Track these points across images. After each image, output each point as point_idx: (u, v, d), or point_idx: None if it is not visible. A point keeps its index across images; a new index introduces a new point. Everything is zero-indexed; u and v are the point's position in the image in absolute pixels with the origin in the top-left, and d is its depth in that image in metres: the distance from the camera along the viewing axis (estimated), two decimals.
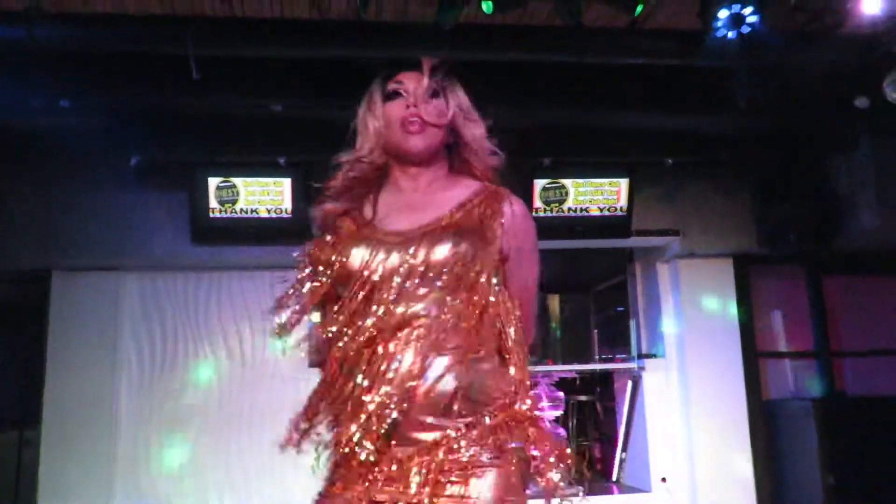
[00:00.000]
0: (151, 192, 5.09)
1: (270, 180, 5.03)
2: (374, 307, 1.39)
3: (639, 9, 3.67)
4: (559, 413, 5.90)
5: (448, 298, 1.38)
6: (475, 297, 1.41)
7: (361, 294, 1.42)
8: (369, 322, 1.39)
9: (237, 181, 5.00)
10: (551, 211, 5.41)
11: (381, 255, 1.42)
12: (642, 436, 5.96)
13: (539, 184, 5.38)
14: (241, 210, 5.02)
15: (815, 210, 5.26)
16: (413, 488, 1.30)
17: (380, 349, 1.37)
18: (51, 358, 5.10)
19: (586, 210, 5.46)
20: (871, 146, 5.19)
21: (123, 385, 5.20)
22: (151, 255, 5.17)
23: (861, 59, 3.95)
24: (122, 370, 5.22)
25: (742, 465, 5.56)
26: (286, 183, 5.02)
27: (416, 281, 1.39)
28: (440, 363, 1.35)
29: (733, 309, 5.79)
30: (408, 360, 1.35)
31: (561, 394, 5.90)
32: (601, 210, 5.48)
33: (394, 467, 1.33)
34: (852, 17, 3.43)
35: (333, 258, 1.47)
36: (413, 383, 1.33)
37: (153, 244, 5.15)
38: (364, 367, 1.37)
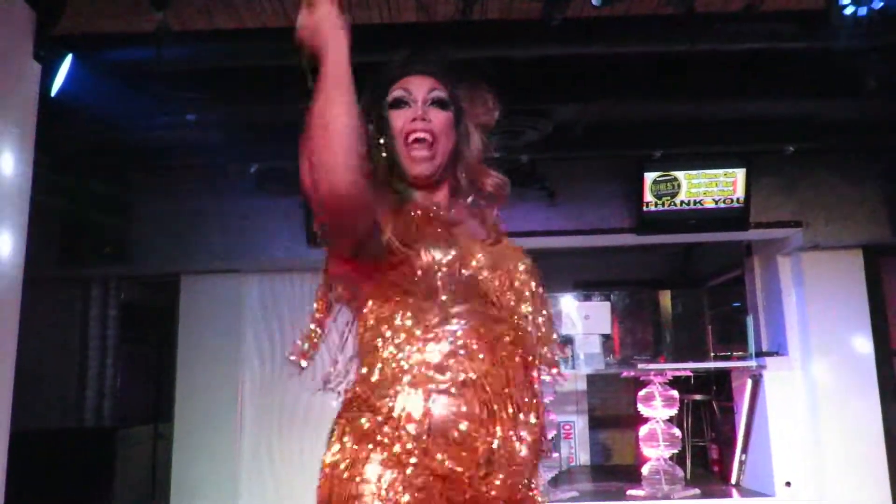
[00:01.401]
0: (270, 199, 5.33)
1: None
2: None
3: None
4: (673, 412, 5.73)
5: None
6: None
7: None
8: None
9: None
10: (663, 205, 5.26)
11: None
12: (764, 437, 5.70)
13: (650, 177, 5.25)
14: None
15: None
16: None
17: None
18: (181, 356, 5.44)
19: (700, 203, 5.28)
20: None
21: (247, 382, 5.47)
22: (270, 258, 5.41)
23: None
24: (246, 367, 5.49)
25: (876, 470, 5.23)
26: None
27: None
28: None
29: (863, 303, 5.44)
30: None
31: (675, 393, 5.73)
32: (716, 202, 5.28)
33: None
34: None
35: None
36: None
37: (272, 247, 5.39)
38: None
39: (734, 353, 6.29)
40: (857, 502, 5.19)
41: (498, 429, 1.17)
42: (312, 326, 1.36)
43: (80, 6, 3.51)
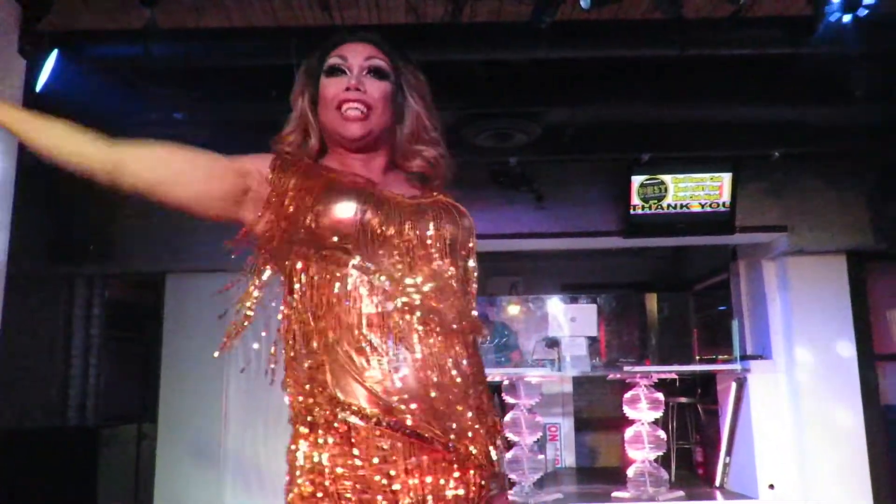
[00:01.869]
0: None
1: None
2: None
3: None
4: (658, 415, 5.75)
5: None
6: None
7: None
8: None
9: None
10: (650, 208, 5.29)
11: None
12: (748, 440, 5.73)
13: (637, 180, 5.27)
14: None
15: None
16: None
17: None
18: (165, 356, 5.40)
19: (687, 206, 5.31)
20: None
21: (233, 382, 5.43)
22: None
23: None
24: (231, 368, 5.45)
25: (858, 473, 5.27)
26: None
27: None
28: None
29: (847, 308, 5.49)
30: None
31: (660, 395, 5.75)
32: (702, 206, 5.32)
33: None
34: None
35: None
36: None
37: None
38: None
39: (719, 357, 6.33)
40: None
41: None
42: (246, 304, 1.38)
43: (66, 1, 3.49)
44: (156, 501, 5.24)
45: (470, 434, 1.19)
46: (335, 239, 1.22)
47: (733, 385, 5.97)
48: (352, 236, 1.21)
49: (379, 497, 1.15)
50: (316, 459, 1.19)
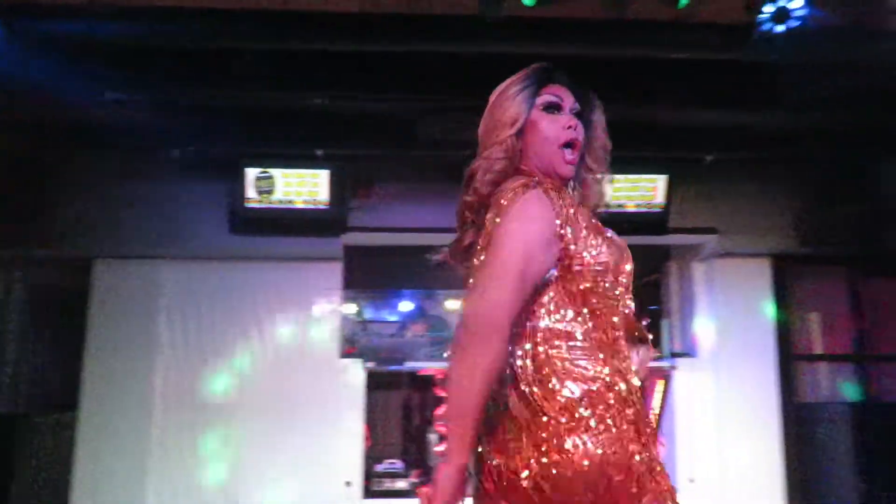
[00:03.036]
0: (193, 184, 5.18)
1: (307, 172, 5.07)
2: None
3: (682, 1, 3.63)
4: None
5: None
6: None
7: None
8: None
9: (275, 172, 5.05)
10: None
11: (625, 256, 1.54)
12: (671, 436, 5.90)
13: None
14: (278, 201, 5.07)
15: (862, 212, 5.17)
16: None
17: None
18: (90, 343, 5.19)
19: (622, 206, 5.41)
20: None
21: (159, 371, 5.26)
22: (191, 245, 5.25)
23: None
24: (159, 357, 5.29)
25: (773, 468, 5.48)
26: (323, 175, 5.06)
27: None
28: None
29: (770, 310, 5.71)
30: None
31: None
32: (637, 206, 5.43)
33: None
34: None
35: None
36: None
37: (193, 234, 5.23)
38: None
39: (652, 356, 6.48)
40: (754, 500, 5.43)
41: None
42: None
43: None
44: (73, 496, 5.03)
45: None
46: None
47: (659, 382, 6.13)
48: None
49: None
50: None
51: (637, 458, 1.39)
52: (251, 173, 5.02)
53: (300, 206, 5.10)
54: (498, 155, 1.53)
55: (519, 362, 1.41)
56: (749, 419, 5.52)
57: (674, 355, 6.02)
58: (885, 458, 5.06)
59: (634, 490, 1.38)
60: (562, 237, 1.42)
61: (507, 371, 1.42)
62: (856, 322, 5.80)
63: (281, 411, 5.23)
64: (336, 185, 5.03)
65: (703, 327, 5.90)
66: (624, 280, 1.54)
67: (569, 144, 1.54)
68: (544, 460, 1.34)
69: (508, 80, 1.61)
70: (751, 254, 5.67)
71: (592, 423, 1.37)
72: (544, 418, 1.37)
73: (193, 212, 5.21)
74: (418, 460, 6.35)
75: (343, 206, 5.12)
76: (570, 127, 1.54)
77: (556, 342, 1.42)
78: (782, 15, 3.57)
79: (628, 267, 1.55)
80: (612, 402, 1.40)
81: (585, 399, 1.39)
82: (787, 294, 5.79)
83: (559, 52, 4.10)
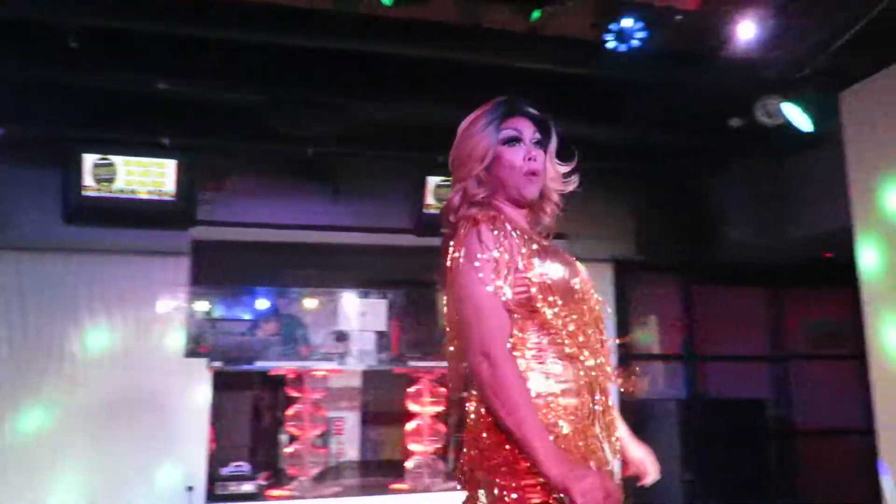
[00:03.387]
0: (21, 168, 4.76)
1: (153, 161, 4.79)
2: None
3: (535, 14, 3.75)
4: (440, 409, 5.95)
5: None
6: None
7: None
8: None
9: (116, 159, 4.73)
10: (432, 207, 5.45)
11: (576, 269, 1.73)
12: None
13: (432, 181, 5.40)
14: (119, 190, 4.76)
15: (690, 222, 5.58)
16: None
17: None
18: None
19: None
20: (742, 166, 5.57)
21: None
22: (18, 235, 4.82)
23: (738, 83, 4.21)
24: None
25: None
26: (170, 165, 4.80)
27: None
28: None
29: (611, 312, 6.02)
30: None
31: (442, 389, 5.96)
32: None
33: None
34: (731, 41, 3.65)
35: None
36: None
37: (21, 222, 4.80)
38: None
39: None
40: None
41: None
42: None
43: None
44: None
45: None
46: None
47: None
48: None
49: None
50: None
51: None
52: (89, 160, 4.67)
53: (144, 196, 4.81)
54: (474, 189, 1.71)
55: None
56: None
57: None
58: (705, 449, 5.47)
59: None
60: (507, 263, 1.56)
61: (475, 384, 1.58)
62: (686, 324, 6.25)
63: (118, 414, 4.93)
64: (184, 177, 4.79)
65: None
66: (577, 293, 1.67)
67: (530, 171, 1.71)
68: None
69: (475, 114, 1.78)
70: (594, 259, 5.96)
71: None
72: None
73: (21, 198, 4.79)
74: (268, 462, 6.20)
75: (191, 198, 4.88)
76: (530, 158, 1.71)
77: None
78: (625, 35, 3.77)
79: (576, 280, 1.67)
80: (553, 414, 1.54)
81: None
82: (627, 297, 6.15)
83: (415, 53, 4.14)
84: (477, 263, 1.56)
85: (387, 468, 6.72)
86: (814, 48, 3.72)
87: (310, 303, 7.64)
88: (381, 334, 6.13)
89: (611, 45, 3.73)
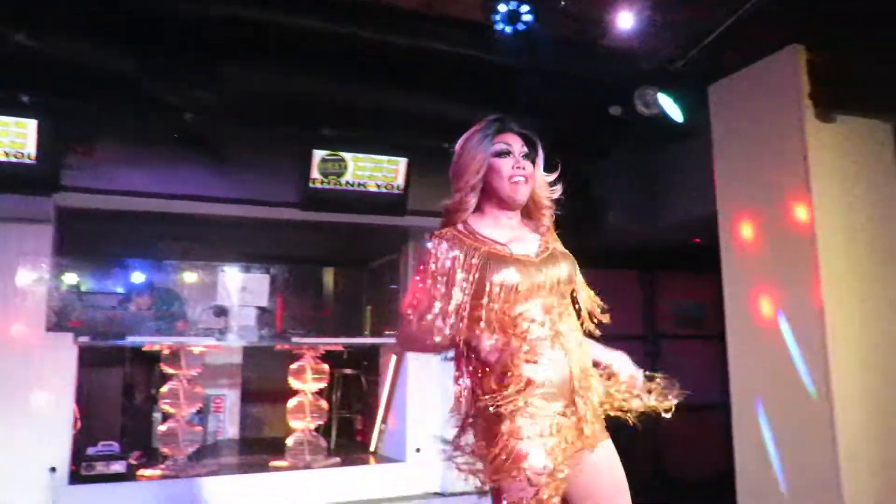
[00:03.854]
0: None
1: (10, 120, 4.44)
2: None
3: None
4: (322, 386, 5.91)
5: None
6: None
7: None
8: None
9: None
10: (328, 183, 5.36)
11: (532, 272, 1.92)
12: (402, 408, 6.15)
13: (318, 154, 5.30)
14: None
15: (573, 207, 5.73)
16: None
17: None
18: None
19: (364, 185, 5.48)
20: (622, 153, 5.78)
21: None
22: None
23: (619, 72, 4.35)
24: None
25: None
26: (31, 125, 4.46)
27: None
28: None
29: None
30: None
31: (326, 366, 5.91)
32: (379, 187, 5.53)
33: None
34: (612, 30, 3.76)
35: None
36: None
37: None
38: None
39: (387, 331, 6.68)
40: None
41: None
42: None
43: None
44: None
45: None
46: None
47: (393, 357, 6.36)
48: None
49: None
50: None
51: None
52: None
53: (2, 158, 4.46)
54: (469, 198, 2.01)
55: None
56: None
57: None
58: None
59: None
60: (461, 268, 1.89)
61: None
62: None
63: None
64: (46, 139, 4.46)
65: None
66: (540, 291, 1.91)
67: (518, 179, 1.97)
68: None
69: (471, 131, 2.05)
70: None
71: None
72: None
73: None
74: (140, 441, 5.96)
75: (55, 162, 4.57)
76: (518, 167, 1.97)
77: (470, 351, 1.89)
78: (513, 17, 3.80)
79: (540, 279, 1.92)
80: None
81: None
82: None
83: (308, 24, 4.02)
84: (421, 267, 1.95)
85: (267, 446, 6.63)
86: (687, 42, 3.89)
87: (188, 276, 7.38)
88: (262, 310, 5.99)
89: (499, 26, 3.75)
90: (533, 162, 2.03)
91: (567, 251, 2.07)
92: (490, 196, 2.02)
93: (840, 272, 3.53)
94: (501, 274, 1.89)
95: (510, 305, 1.88)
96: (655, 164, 5.80)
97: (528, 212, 2.08)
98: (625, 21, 3.60)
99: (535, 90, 4.60)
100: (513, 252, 1.95)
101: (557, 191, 2.09)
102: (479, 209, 2.04)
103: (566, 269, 2.00)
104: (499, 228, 2.00)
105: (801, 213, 3.59)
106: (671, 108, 4.33)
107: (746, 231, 3.95)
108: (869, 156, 3.77)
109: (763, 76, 3.84)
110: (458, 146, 2.07)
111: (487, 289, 1.88)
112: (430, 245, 1.97)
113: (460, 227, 2.01)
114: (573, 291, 2.04)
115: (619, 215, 5.66)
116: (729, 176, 4.09)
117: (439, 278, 1.90)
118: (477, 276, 1.89)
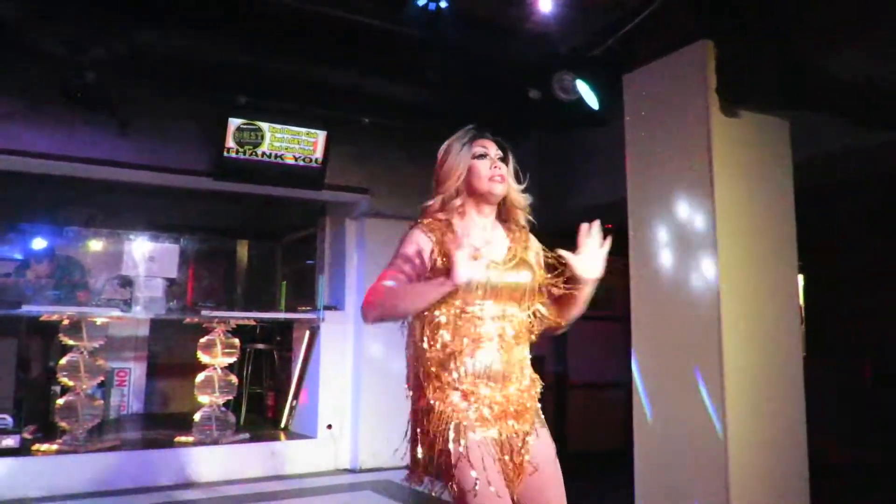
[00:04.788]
0: None
1: None
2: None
3: None
4: (233, 360, 5.80)
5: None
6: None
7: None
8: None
9: None
10: (244, 153, 5.24)
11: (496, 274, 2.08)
12: (315, 385, 6.12)
13: (234, 123, 5.17)
14: None
15: None
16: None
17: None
18: None
19: (281, 157, 5.38)
20: (538, 135, 5.86)
21: None
22: None
23: (539, 55, 4.40)
24: None
25: (404, 415, 5.97)
26: None
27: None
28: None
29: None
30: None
31: (236, 341, 5.80)
32: (296, 159, 5.45)
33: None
34: (532, 13, 3.79)
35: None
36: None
37: None
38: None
39: (301, 307, 6.61)
40: (385, 447, 5.88)
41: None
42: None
43: None
44: None
45: None
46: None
47: (307, 333, 6.30)
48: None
49: None
50: None
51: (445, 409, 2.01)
52: None
53: None
54: (451, 199, 2.17)
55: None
56: (386, 372, 5.86)
57: (323, 308, 6.21)
58: None
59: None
60: (431, 253, 2.07)
61: None
62: None
63: None
64: None
65: (352, 282, 6.17)
66: (496, 294, 2.07)
67: (496, 178, 2.15)
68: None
69: (450, 140, 2.23)
70: (399, 216, 6.02)
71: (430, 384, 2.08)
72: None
73: None
74: (36, 415, 5.71)
75: None
76: (495, 167, 2.15)
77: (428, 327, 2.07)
78: None
79: (499, 284, 2.07)
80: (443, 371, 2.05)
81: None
82: None
83: None
84: (400, 251, 2.11)
85: (174, 421, 6.47)
86: (604, 31, 3.98)
87: (93, 245, 7.06)
88: (171, 282, 5.81)
89: (421, 1, 3.73)
90: (507, 164, 2.21)
91: (533, 259, 2.20)
92: (469, 196, 2.20)
93: (737, 260, 3.71)
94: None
95: (467, 303, 2.05)
96: (570, 148, 5.92)
97: (504, 213, 2.26)
98: (544, 5, 3.64)
99: (453, 66, 4.61)
100: (482, 254, 2.07)
101: (528, 198, 2.27)
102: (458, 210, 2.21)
103: (528, 277, 2.13)
104: (474, 229, 2.15)
105: (703, 202, 3.75)
106: (588, 95, 4.42)
107: (653, 217, 4.09)
108: (768, 151, 3.97)
109: (674, 69, 3.95)
110: (439, 153, 2.26)
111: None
112: (408, 232, 2.15)
113: (440, 216, 2.18)
114: (532, 297, 2.17)
115: (530, 196, 5.75)
116: (639, 163, 4.21)
117: (409, 260, 2.07)
118: (442, 266, 2.04)
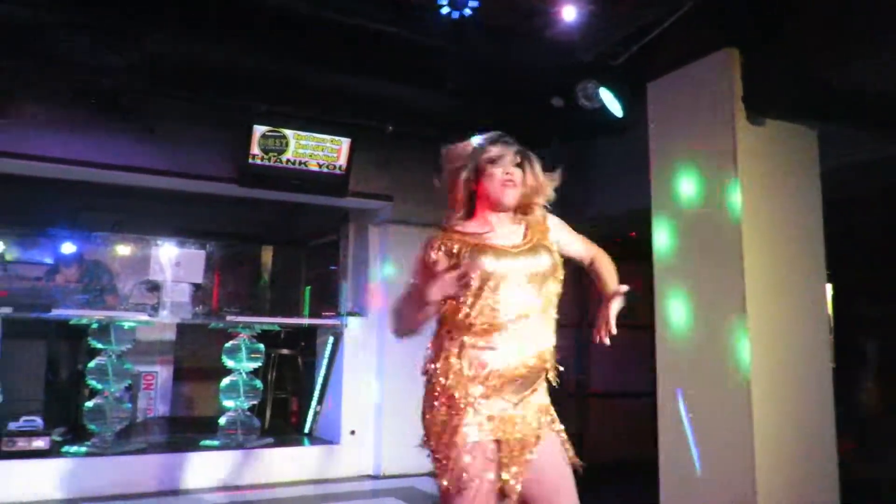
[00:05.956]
0: None
1: None
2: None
3: None
4: (257, 365, 5.85)
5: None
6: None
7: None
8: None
9: None
10: (269, 160, 5.29)
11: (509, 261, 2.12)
12: (338, 390, 6.15)
13: (259, 130, 5.22)
14: None
15: None
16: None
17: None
18: None
19: (305, 164, 5.43)
20: (562, 143, 5.83)
21: None
22: None
23: (563, 64, 4.39)
24: None
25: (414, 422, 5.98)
26: None
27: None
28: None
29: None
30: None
31: (261, 346, 5.85)
32: (320, 166, 5.49)
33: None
34: (555, 22, 3.79)
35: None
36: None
37: None
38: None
39: (325, 312, 6.65)
40: (408, 453, 5.88)
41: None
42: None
43: None
44: None
45: None
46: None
47: (330, 338, 6.34)
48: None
49: None
50: None
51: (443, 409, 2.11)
52: None
53: None
54: (464, 204, 2.22)
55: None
56: (409, 378, 5.81)
57: (346, 314, 6.24)
58: None
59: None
60: (448, 257, 2.12)
61: None
62: None
63: None
64: None
65: (375, 289, 6.19)
66: (515, 279, 2.10)
67: (508, 183, 2.17)
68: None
69: (464, 143, 2.24)
70: (422, 223, 6.03)
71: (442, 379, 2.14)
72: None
73: None
74: (65, 417, 5.80)
75: None
76: (509, 173, 2.17)
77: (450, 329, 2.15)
78: (458, 3, 3.79)
79: (516, 267, 2.11)
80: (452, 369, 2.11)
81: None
82: None
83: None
84: (415, 268, 2.20)
85: (200, 424, 6.54)
86: (627, 39, 3.96)
87: (120, 250, 7.17)
88: (197, 286, 5.88)
89: (445, 10, 3.74)
90: (523, 170, 2.22)
91: (552, 245, 2.23)
92: (482, 199, 2.22)
93: (763, 270, 3.66)
94: (477, 262, 2.08)
95: (489, 292, 2.08)
96: (594, 156, 5.89)
97: (522, 209, 2.26)
98: (568, 14, 3.64)
99: (475, 76, 4.61)
100: (491, 242, 2.14)
101: (551, 194, 2.28)
102: (471, 212, 2.25)
103: (547, 260, 2.15)
104: (485, 227, 2.19)
105: (729, 212, 3.71)
106: (611, 103, 4.40)
107: (678, 226, 4.06)
108: (795, 160, 3.91)
109: (699, 77, 3.92)
110: (452, 156, 2.26)
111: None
112: (421, 248, 2.21)
113: (452, 223, 2.22)
114: (557, 280, 2.20)
115: (553, 205, 5.72)
116: (663, 172, 4.18)
117: (425, 274, 2.10)
118: (454, 262, 2.09)
